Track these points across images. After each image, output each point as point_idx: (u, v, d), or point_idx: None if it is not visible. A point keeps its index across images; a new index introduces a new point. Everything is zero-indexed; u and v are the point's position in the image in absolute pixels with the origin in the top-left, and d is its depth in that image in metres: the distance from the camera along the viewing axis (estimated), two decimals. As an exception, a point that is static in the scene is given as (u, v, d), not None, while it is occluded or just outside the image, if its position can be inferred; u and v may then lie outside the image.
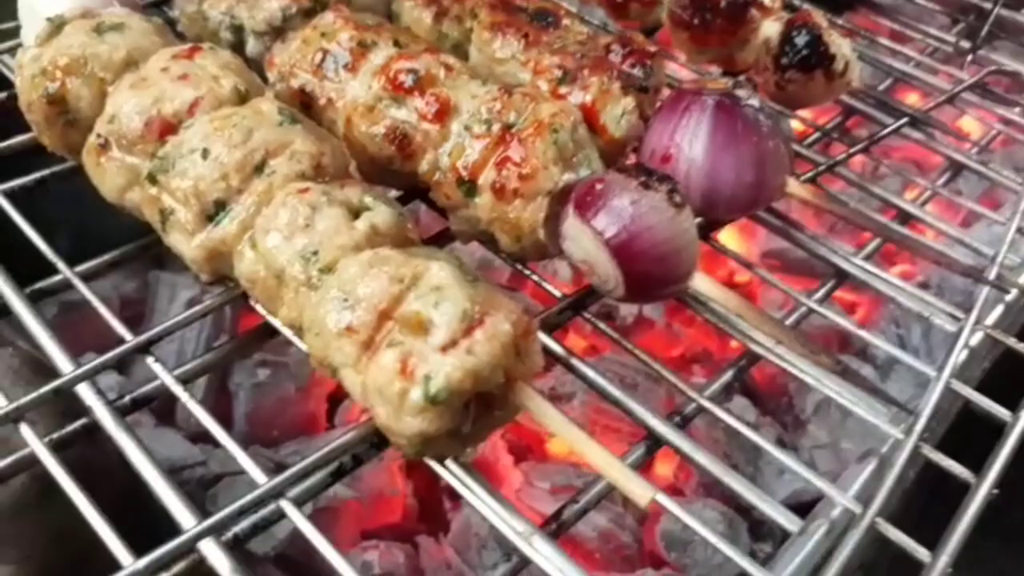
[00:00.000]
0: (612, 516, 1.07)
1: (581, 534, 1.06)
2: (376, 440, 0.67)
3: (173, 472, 1.02)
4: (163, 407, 1.24)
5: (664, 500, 0.63)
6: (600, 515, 1.07)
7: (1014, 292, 0.86)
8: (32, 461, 0.65)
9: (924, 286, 1.29)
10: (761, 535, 1.10)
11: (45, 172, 0.89)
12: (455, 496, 1.15)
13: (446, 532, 1.15)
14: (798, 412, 1.24)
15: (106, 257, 0.83)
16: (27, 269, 0.80)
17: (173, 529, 0.61)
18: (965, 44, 1.24)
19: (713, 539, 0.64)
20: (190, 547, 0.59)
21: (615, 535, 1.05)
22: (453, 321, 0.60)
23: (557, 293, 0.82)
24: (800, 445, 1.24)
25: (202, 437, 1.21)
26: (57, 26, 0.82)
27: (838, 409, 1.20)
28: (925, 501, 0.82)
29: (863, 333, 0.80)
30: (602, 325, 0.80)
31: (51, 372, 0.71)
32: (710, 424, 1.12)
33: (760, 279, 1.28)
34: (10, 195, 0.87)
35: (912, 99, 1.29)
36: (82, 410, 0.69)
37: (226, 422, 1.24)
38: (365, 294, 0.63)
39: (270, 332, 0.76)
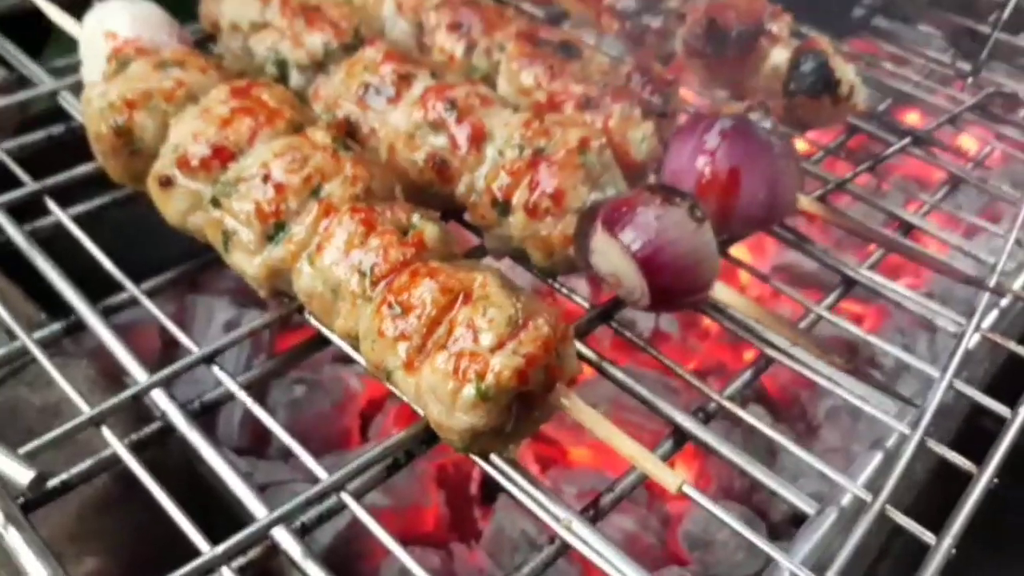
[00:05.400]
0: (637, 518, 1.13)
1: (608, 537, 1.11)
2: (426, 437, 0.73)
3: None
4: (204, 426, 1.29)
5: (690, 490, 0.69)
6: (626, 518, 1.12)
7: (1008, 298, 0.91)
8: (113, 461, 0.71)
9: (928, 297, 1.36)
10: (778, 535, 1.15)
11: (107, 199, 0.95)
12: (486, 505, 1.21)
13: (477, 540, 1.20)
14: (810, 419, 1.29)
15: (168, 275, 0.89)
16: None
17: (233, 526, 0.66)
18: (962, 66, 1.31)
19: (736, 525, 0.69)
20: (263, 534, 0.65)
21: (640, 536, 1.11)
22: (500, 325, 0.66)
23: (585, 304, 0.88)
24: (812, 449, 1.29)
25: (244, 451, 1.26)
26: (121, 64, 0.89)
27: (849, 415, 1.26)
28: (935, 505, 0.87)
29: (871, 338, 0.86)
30: (628, 333, 0.86)
31: (122, 382, 0.77)
32: (727, 431, 1.17)
33: (771, 292, 1.35)
34: (74, 220, 0.93)
35: (912, 118, 1.35)
36: (152, 416, 0.76)
37: (264, 438, 1.30)
38: (417, 303, 0.69)
39: (322, 343, 0.82)
